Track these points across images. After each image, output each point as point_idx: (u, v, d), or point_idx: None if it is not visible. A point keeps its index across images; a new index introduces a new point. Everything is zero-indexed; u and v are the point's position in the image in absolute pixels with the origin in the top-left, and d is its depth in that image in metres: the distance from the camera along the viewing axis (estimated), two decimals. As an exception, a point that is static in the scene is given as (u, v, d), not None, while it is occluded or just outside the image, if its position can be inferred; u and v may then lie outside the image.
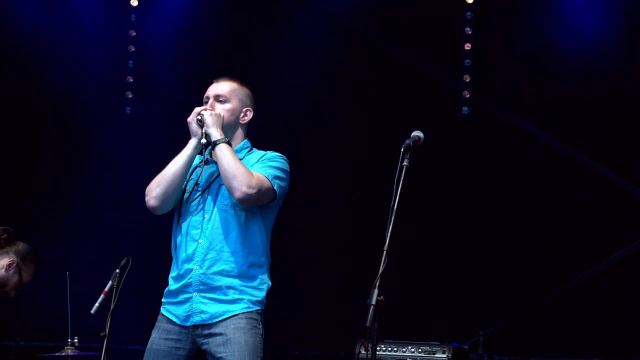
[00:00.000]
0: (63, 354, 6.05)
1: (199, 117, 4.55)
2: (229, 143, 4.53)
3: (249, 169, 4.52)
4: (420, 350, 6.47)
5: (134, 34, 8.00)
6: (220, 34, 7.92)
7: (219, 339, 4.50)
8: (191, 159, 4.59)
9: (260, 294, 4.60)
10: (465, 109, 7.48)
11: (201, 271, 4.54)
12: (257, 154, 4.70)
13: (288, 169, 4.68)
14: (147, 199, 4.61)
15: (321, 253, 7.62)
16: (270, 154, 4.68)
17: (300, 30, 7.79)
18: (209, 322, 4.52)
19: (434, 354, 6.44)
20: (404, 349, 6.49)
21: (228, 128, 4.62)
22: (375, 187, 7.46)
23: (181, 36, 7.97)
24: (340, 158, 7.69)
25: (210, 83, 4.73)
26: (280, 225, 4.76)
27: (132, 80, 7.98)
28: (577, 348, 7.20)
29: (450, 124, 7.52)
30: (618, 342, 7.16)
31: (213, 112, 4.58)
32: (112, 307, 4.70)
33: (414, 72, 7.64)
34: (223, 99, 4.64)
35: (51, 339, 7.37)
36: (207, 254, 4.54)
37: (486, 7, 7.50)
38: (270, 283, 4.64)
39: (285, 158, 4.70)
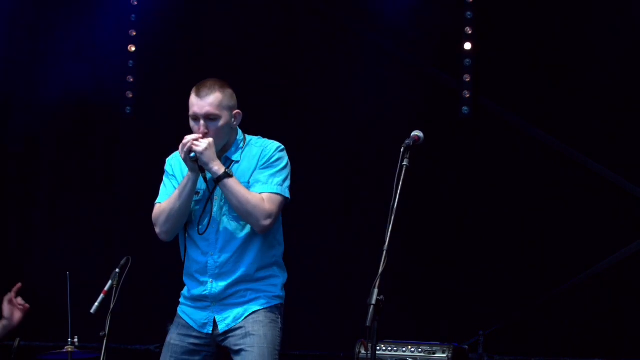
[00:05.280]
0: (63, 353, 6.04)
1: (192, 155, 4.46)
2: (229, 175, 4.48)
3: (259, 197, 4.49)
4: (420, 350, 6.47)
5: (134, 33, 7.99)
6: (220, 33, 7.91)
7: (238, 332, 4.54)
8: (193, 192, 4.53)
9: (278, 289, 4.63)
10: (465, 109, 7.47)
11: (216, 284, 4.56)
12: (253, 149, 4.64)
13: (288, 160, 4.66)
14: (157, 231, 4.62)
15: (321, 253, 7.61)
16: (268, 150, 4.63)
17: (300, 29, 7.78)
18: (233, 325, 4.56)
19: (434, 354, 6.43)
20: (404, 349, 6.49)
21: (224, 138, 4.58)
22: (375, 187, 7.46)
23: (181, 35, 7.96)
24: (340, 157, 7.69)
25: (193, 87, 4.60)
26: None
27: (132, 80, 7.97)
28: (577, 348, 7.20)
29: (450, 124, 7.51)
30: (618, 342, 7.15)
31: (205, 147, 4.45)
32: (111, 306, 4.70)
33: (413, 71, 7.63)
34: (214, 117, 4.52)
35: (51, 339, 7.36)
36: (221, 267, 4.55)
37: (486, 7, 7.49)
38: (286, 276, 4.67)
39: (283, 147, 4.66)
